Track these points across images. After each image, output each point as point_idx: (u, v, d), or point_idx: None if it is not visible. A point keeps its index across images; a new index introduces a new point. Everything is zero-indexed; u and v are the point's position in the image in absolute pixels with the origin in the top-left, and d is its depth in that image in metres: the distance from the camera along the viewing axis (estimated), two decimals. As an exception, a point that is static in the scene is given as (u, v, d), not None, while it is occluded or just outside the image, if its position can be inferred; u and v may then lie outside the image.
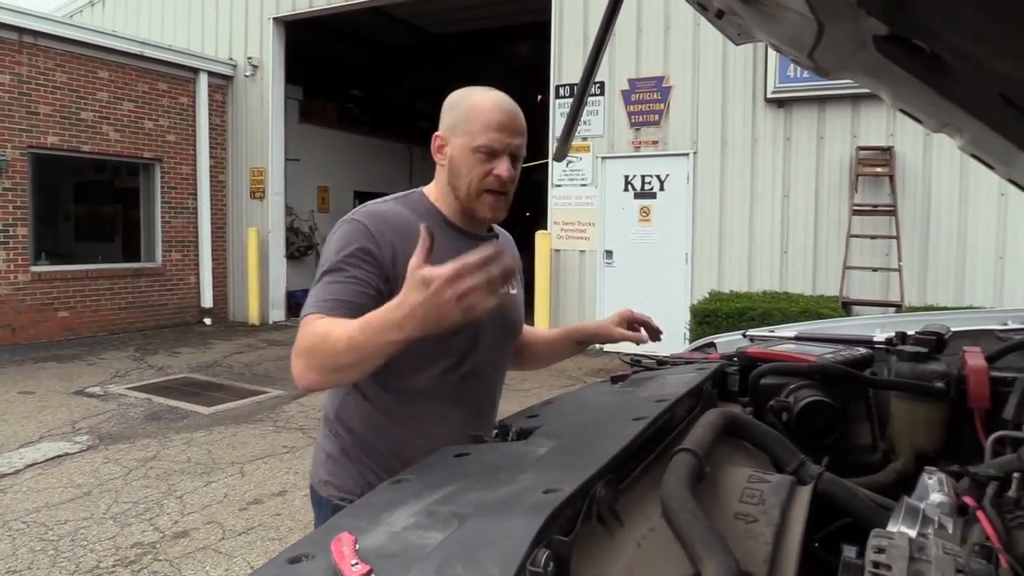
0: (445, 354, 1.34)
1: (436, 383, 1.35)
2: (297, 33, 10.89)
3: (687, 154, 7.93)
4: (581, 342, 1.67)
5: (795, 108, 7.45)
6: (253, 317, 10.38)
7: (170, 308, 10.09)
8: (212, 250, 10.52)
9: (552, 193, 8.69)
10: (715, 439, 0.93)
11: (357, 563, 0.62)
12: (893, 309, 6.54)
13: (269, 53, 10.51)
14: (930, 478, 0.98)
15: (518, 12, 10.47)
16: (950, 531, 0.85)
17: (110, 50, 9.15)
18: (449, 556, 0.61)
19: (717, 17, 1.26)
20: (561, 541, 0.63)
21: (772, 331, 1.93)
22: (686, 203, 7.95)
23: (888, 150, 6.98)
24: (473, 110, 1.33)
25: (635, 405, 1.09)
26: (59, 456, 4.56)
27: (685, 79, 7.92)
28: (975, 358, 1.37)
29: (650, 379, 1.38)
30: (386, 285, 1.27)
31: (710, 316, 6.50)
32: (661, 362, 1.64)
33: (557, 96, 8.61)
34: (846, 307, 6.78)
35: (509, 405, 1.44)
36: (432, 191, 1.43)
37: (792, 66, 7.14)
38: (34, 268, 8.54)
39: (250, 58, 10.62)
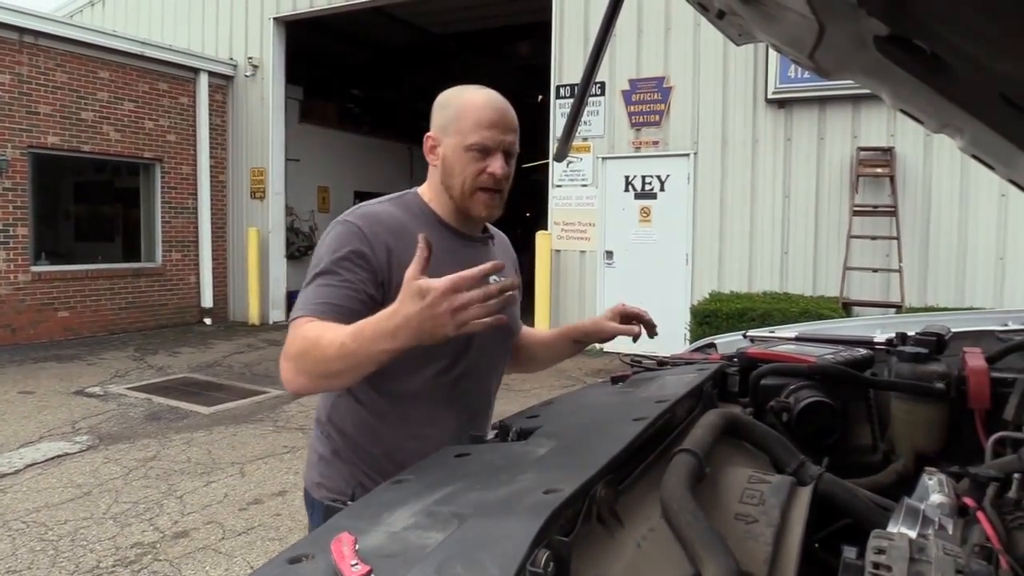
0: (438, 356, 1.33)
1: (429, 385, 1.34)
2: (297, 33, 10.90)
3: (687, 154, 7.93)
4: (578, 341, 1.64)
5: (796, 108, 7.45)
6: (253, 317, 10.38)
7: (170, 308, 10.09)
8: (212, 250, 10.52)
9: (552, 193, 8.69)
10: (715, 440, 0.93)
11: (357, 563, 0.62)
12: (893, 310, 6.54)
13: (269, 53, 10.51)
14: (930, 479, 0.98)
15: (518, 12, 10.48)
16: (950, 532, 0.85)
17: (110, 50, 9.15)
18: (449, 556, 0.61)
19: (718, 17, 1.26)
20: (561, 541, 0.63)
21: (772, 332, 1.93)
22: (686, 204, 7.95)
23: (889, 151, 6.98)
24: (464, 108, 1.32)
25: (635, 406, 1.09)
26: (59, 456, 4.56)
27: (686, 79, 7.92)
28: (975, 359, 1.37)
29: (650, 380, 1.38)
30: (380, 289, 1.25)
31: (710, 317, 6.50)
32: (661, 363, 1.64)
33: (557, 96, 8.61)
34: (846, 308, 6.78)
35: (509, 405, 1.44)
36: (426, 192, 1.41)
37: (793, 66, 7.14)
38: (34, 268, 8.54)
39: (250, 58, 10.62)
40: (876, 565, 0.69)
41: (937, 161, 6.84)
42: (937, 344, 1.42)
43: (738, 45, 1.44)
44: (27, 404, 5.83)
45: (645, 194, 8.23)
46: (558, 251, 8.63)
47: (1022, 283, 6.55)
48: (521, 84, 13.33)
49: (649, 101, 8.12)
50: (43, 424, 5.26)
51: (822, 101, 7.28)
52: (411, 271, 1.02)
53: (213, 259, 10.53)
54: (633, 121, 8.21)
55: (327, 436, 1.42)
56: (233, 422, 5.44)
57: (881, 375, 1.47)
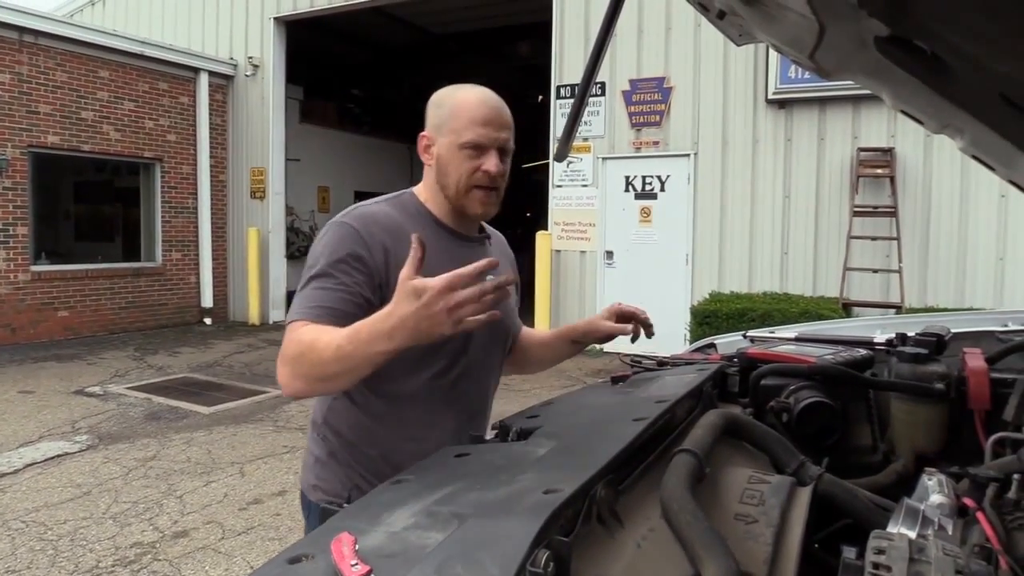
0: (436, 358, 1.32)
1: (426, 387, 1.33)
2: (298, 33, 10.90)
3: (688, 155, 7.93)
4: (576, 341, 1.63)
5: (796, 109, 7.45)
6: (253, 317, 10.38)
7: (170, 308, 10.09)
8: (212, 250, 10.52)
9: (553, 193, 8.69)
10: (715, 440, 0.93)
11: (357, 563, 0.62)
12: (893, 310, 6.55)
13: (270, 53, 10.51)
14: (930, 479, 0.98)
15: (518, 12, 10.47)
16: (950, 532, 0.85)
17: (111, 49, 9.15)
18: (449, 556, 0.61)
19: (718, 18, 1.26)
20: (561, 541, 0.63)
21: (772, 332, 1.93)
22: (687, 204, 7.95)
23: (889, 151, 6.99)
24: (458, 107, 1.32)
25: (635, 406, 1.09)
26: (59, 456, 4.56)
27: (686, 80, 7.92)
28: (975, 359, 1.37)
29: (650, 380, 1.38)
30: (377, 292, 1.24)
31: (710, 317, 6.50)
32: (661, 363, 1.64)
33: (558, 96, 8.61)
34: (846, 308, 6.78)
35: (509, 405, 1.44)
36: (422, 191, 1.41)
37: (793, 67, 7.14)
38: (34, 267, 8.54)
39: (251, 58, 10.62)
40: (876, 565, 0.69)
41: (937, 162, 6.84)
42: (937, 345, 1.42)
43: (738, 45, 1.44)
44: (27, 404, 5.83)
45: (645, 194, 8.23)
46: (558, 251, 8.63)
47: (1022, 284, 6.55)
48: (521, 84, 13.33)
49: (649, 101, 8.12)
50: (43, 424, 5.26)
51: (822, 102, 7.28)
52: (406, 271, 1.01)
53: (213, 259, 10.53)
54: (633, 121, 8.21)
55: (323, 438, 1.41)
56: (233, 422, 5.44)
57: (881, 376, 1.47)
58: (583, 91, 1.44)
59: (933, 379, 1.34)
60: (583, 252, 8.54)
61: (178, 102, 10.10)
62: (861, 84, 1.20)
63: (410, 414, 1.35)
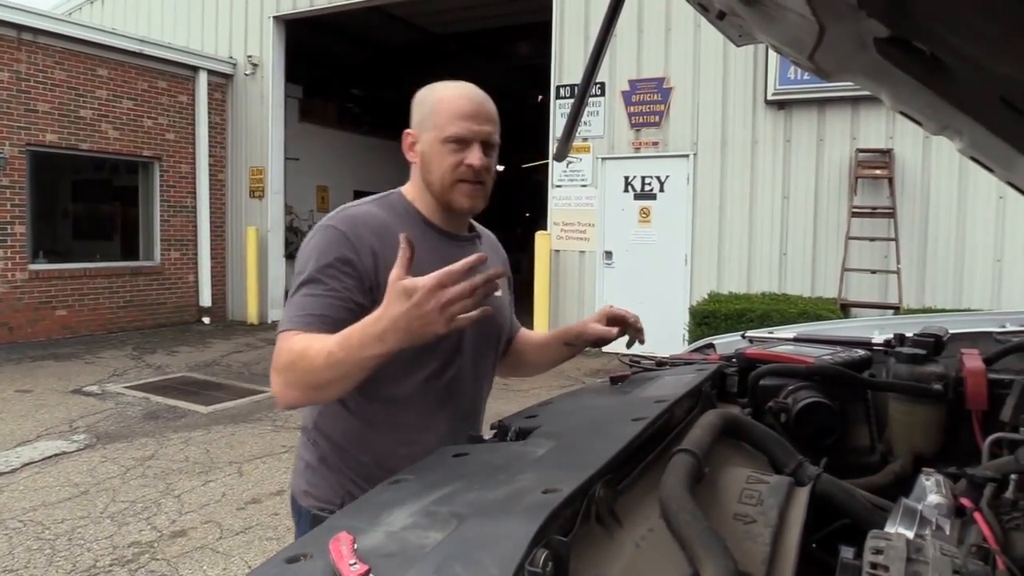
0: (429, 360, 1.31)
1: (420, 389, 1.32)
2: (297, 32, 10.89)
3: (687, 155, 7.94)
4: (569, 343, 1.62)
5: (795, 110, 7.46)
6: (252, 316, 10.38)
7: (168, 307, 10.08)
8: (211, 249, 10.51)
9: (552, 193, 8.69)
10: (714, 440, 0.93)
11: (355, 563, 0.62)
12: (891, 311, 6.55)
13: (269, 52, 10.51)
14: (928, 479, 0.98)
15: (518, 12, 10.47)
16: (947, 532, 0.85)
17: (109, 48, 9.14)
18: (448, 556, 0.61)
19: (718, 18, 1.26)
20: (560, 541, 0.63)
21: (771, 332, 1.94)
22: (686, 204, 7.96)
23: (887, 152, 6.99)
24: (440, 102, 1.31)
25: (634, 405, 1.09)
26: (56, 455, 4.56)
27: (686, 80, 7.93)
28: (973, 360, 1.37)
29: (649, 380, 1.38)
30: (368, 295, 1.23)
31: (709, 317, 6.51)
32: (660, 363, 1.64)
33: (558, 96, 8.61)
34: (845, 309, 6.79)
35: (509, 405, 1.44)
36: (410, 191, 1.40)
37: (792, 68, 7.15)
38: (32, 266, 8.53)
39: (250, 57, 10.62)
40: (873, 565, 0.69)
41: (936, 163, 6.85)
42: (935, 345, 1.42)
43: (738, 46, 1.45)
44: (24, 403, 5.82)
45: (644, 195, 8.23)
46: (557, 251, 8.63)
47: (1020, 285, 6.56)
48: (521, 84, 13.35)
49: (649, 102, 8.13)
50: (40, 423, 5.26)
51: (821, 103, 7.29)
52: (395, 272, 1.01)
53: (212, 258, 10.51)
54: (633, 122, 8.21)
55: (313, 443, 1.38)
56: (231, 421, 5.43)
57: (879, 376, 1.47)
58: (583, 91, 1.44)
59: (931, 380, 1.35)
60: (582, 252, 8.55)
61: (177, 101, 10.09)
62: (860, 85, 1.21)
63: (403, 417, 1.33)
